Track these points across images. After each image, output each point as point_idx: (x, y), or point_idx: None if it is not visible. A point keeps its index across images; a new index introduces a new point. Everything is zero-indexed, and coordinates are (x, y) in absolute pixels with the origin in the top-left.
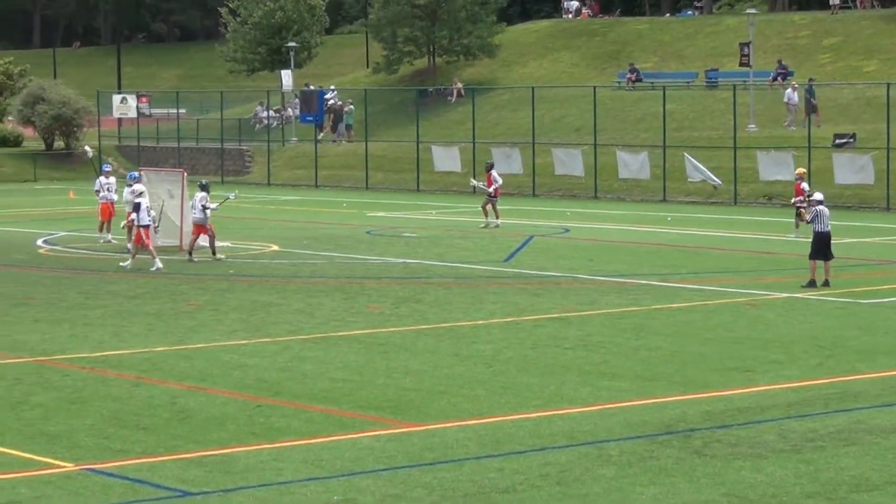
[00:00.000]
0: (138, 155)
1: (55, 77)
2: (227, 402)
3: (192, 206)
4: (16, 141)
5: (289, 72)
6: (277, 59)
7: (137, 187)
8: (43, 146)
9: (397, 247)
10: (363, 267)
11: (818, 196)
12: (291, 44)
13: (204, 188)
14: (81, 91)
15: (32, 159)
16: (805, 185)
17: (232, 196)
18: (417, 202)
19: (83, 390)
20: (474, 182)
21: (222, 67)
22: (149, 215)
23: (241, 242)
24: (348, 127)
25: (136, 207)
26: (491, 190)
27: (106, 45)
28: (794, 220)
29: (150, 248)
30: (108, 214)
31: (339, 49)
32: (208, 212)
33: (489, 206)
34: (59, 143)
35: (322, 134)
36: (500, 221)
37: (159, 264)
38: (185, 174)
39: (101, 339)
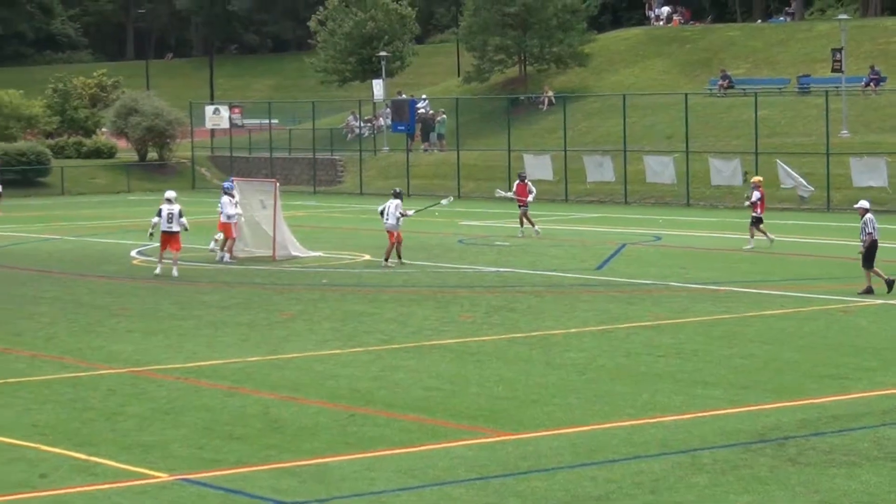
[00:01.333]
0: (231, 165)
1: (148, 88)
2: (321, 411)
3: (385, 214)
4: (109, 152)
5: (380, 81)
6: (369, 69)
7: (169, 193)
8: (136, 157)
9: (489, 255)
10: (455, 276)
11: (865, 204)
12: (383, 53)
13: (397, 196)
14: (174, 102)
15: (126, 171)
16: (757, 194)
17: (445, 201)
18: (509, 210)
19: (177, 401)
20: (500, 192)
21: (314, 78)
22: (169, 222)
23: (334, 252)
24: (440, 136)
25: (158, 212)
26: (512, 195)
27: (198, 56)
28: (749, 231)
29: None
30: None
31: (431, 58)
32: (401, 220)
33: (524, 216)
34: (152, 155)
35: (414, 143)
36: (538, 228)
37: (158, 271)
38: (278, 184)
39: (194, 350)
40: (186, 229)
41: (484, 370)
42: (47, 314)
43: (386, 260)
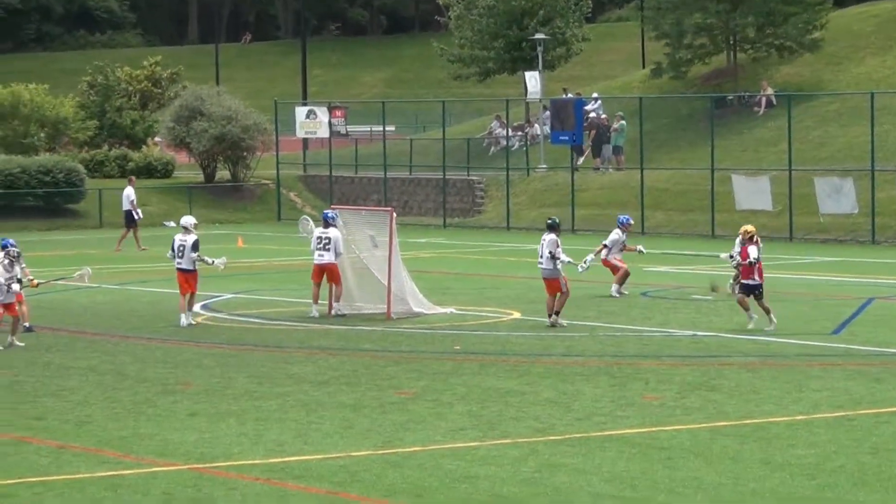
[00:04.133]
0: (330, 188)
1: (217, 83)
2: None
3: (540, 254)
4: (165, 170)
5: (536, 74)
6: (520, 58)
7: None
8: (201, 177)
9: (684, 313)
10: (637, 341)
11: None
12: (539, 36)
13: (553, 228)
14: (253, 102)
15: (187, 194)
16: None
17: (639, 249)
18: (713, 252)
19: None
20: (641, 248)
21: (444, 69)
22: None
23: (471, 308)
24: (616, 149)
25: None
26: (742, 260)
27: (286, 38)
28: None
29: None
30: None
31: (605, 43)
32: (559, 263)
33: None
34: (222, 173)
35: (581, 159)
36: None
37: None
38: (394, 215)
39: (279, 440)
40: (206, 262)
41: (676, 471)
42: (79, 390)
43: (550, 317)
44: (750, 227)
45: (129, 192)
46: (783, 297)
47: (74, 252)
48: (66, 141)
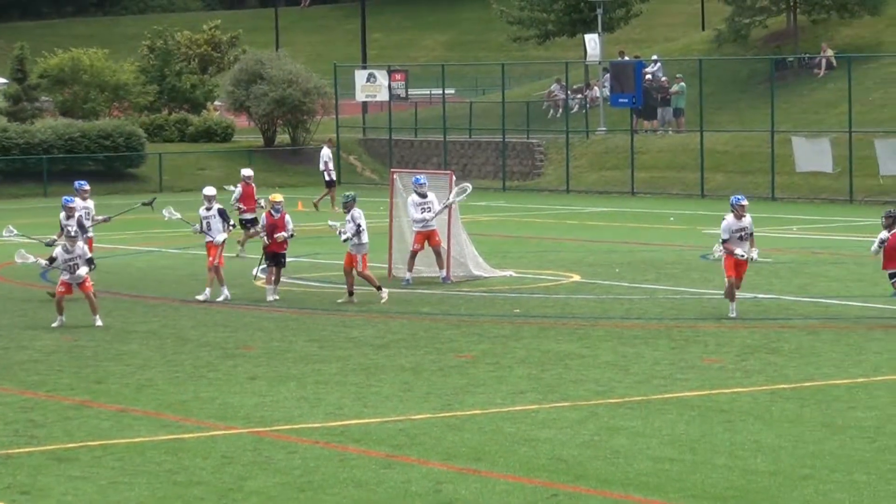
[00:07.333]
0: (390, 152)
1: (277, 47)
2: (511, 489)
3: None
4: (224, 134)
5: (595, 37)
6: (579, 21)
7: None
8: (261, 140)
9: (745, 276)
10: (697, 304)
11: None
12: None
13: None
14: (313, 66)
15: (247, 158)
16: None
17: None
18: (773, 214)
19: (315, 473)
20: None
21: (504, 32)
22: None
23: (530, 271)
24: (677, 112)
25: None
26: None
27: (345, 2)
28: None
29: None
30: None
31: (665, 5)
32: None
33: None
34: (282, 137)
35: (641, 121)
36: None
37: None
38: (454, 178)
39: (339, 404)
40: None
41: (736, 434)
42: (139, 354)
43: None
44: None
45: (325, 154)
46: (843, 259)
47: (133, 217)
48: (127, 106)
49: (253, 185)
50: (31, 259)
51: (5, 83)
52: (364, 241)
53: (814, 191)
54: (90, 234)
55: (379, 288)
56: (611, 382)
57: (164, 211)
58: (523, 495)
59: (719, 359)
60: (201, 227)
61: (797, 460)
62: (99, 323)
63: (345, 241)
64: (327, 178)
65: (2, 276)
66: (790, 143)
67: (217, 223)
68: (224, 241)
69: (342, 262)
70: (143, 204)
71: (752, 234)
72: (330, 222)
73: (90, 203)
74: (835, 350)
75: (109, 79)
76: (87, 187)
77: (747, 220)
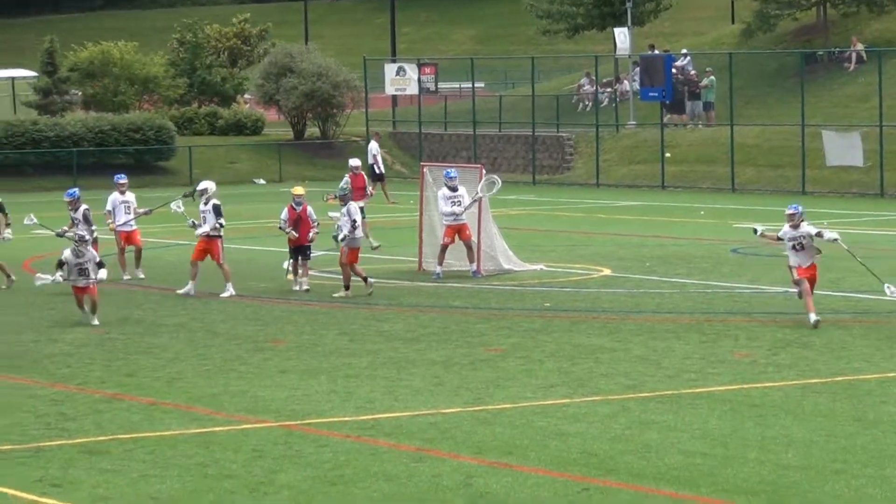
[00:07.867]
0: (420, 145)
1: (307, 41)
2: (542, 482)
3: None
4: (254, 127)
5: (625, 30)
6: (609, 14)
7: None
8: (291, 134)
9: (776, 271)
10: (727, 298)
11: None
12: None
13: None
14: (343, 59)
15: (276, 151)
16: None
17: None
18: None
19: (346, 466)
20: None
21: (534, 25)
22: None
23: (560, 265)
24: (707, 105)
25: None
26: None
27: None
28: None
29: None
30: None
31: None
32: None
33: None
34: (312, 130)
35: (670, 115)
36: None
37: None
38: (484, 171)
39: (369, 398)
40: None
41: (767, 429)
42: (170, 347)
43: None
44: None
45: (373, 147)
46: (873, 253)
47: (164, 209)
48: (156, 99)
49: (362, 173)
50: (49, 278)
51: (35, 76)
52: (358, 236)
53: (844, 185)
54: (96, 235)
55: (347, 287)
56: (642, 376)
57: (171, 203)
58: (554, 489)
59: (750, 353)
60: (193, 223)
61: (829, 455)
62: (95, 322)
63: (341, 240)
64: (377, 171)
65: (32, 270)
66: (820, 137)
67: (210, 218)
68: (220, 237)
69: (366, 255)
70: (186, 196)
71: (812, 245)
72: (330, 213)
73: (130, 196)
74: (866, 344)
75: (139, 72)
76: (125, 180)
77: (804, 228)
